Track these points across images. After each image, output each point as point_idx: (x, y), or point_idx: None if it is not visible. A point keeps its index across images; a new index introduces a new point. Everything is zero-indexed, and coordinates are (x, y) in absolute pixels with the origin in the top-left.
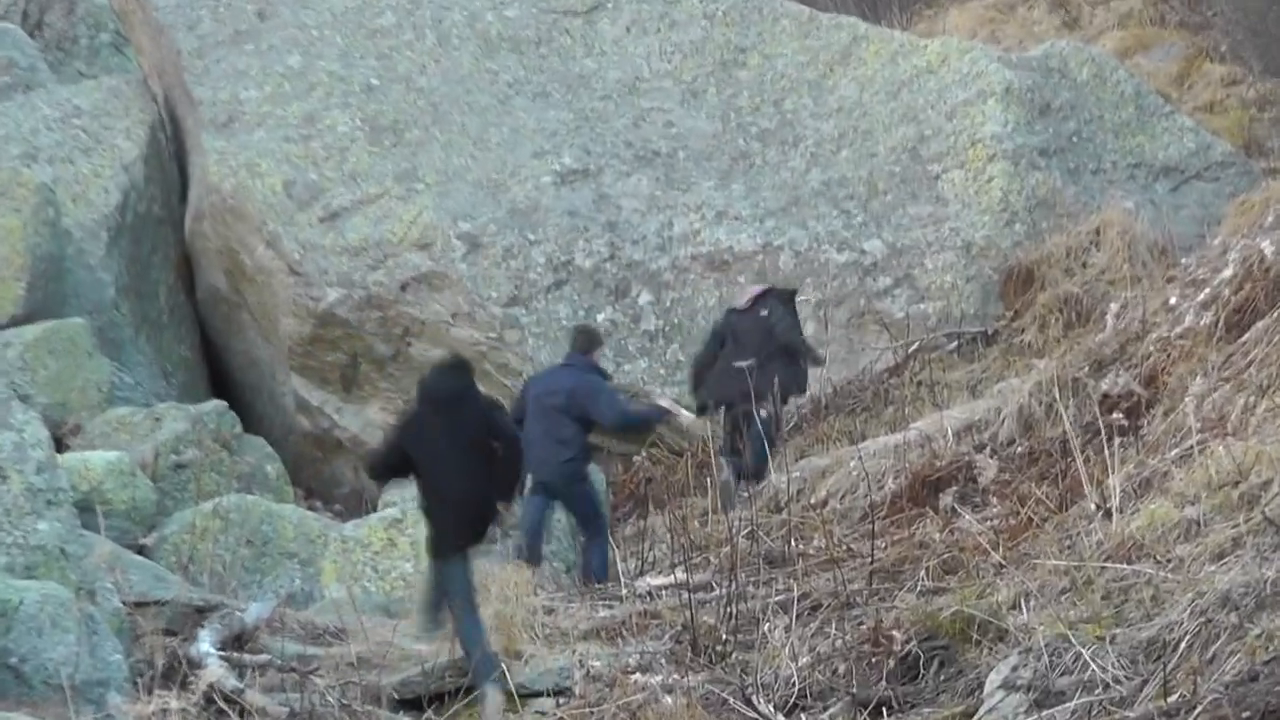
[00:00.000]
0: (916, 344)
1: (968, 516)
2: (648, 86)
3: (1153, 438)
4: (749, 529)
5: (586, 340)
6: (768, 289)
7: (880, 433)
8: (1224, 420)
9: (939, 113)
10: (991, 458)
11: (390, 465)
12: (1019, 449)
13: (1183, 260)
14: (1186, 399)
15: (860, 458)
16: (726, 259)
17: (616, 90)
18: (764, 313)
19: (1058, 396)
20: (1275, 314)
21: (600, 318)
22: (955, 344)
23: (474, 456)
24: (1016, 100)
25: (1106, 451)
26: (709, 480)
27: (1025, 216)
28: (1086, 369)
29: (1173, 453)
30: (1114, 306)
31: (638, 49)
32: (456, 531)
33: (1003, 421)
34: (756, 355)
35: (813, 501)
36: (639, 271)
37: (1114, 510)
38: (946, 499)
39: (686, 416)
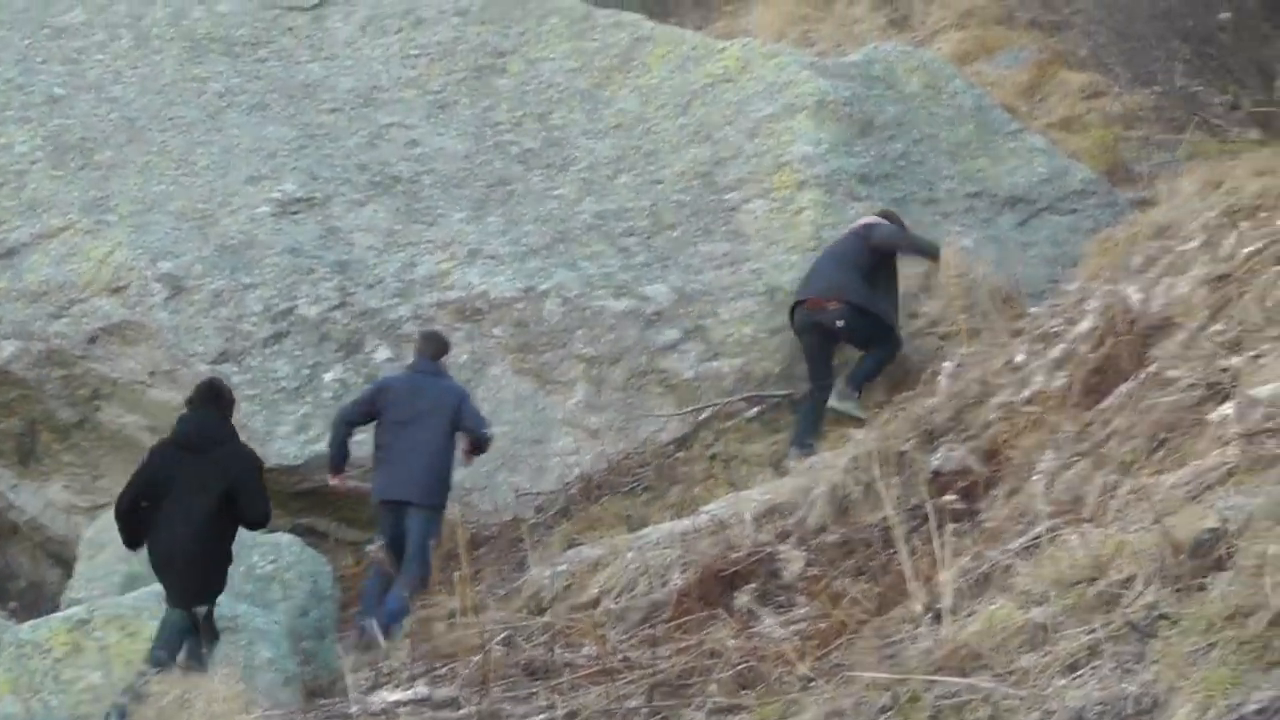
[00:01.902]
0: (709, 410)
1: (769, 619)
2: (386, 97)
3: (993, 524)
4: (505, 633)
5: (437, 346)
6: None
7: (664, 518)
8: (1078, 503)
9: (738, 130)
10: (798, 548)
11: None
12: (831, 538)
13: (1032, 309)
14: (1034, 477)
15: (640, 548)
16: (480, 307)
17: (349, 102)
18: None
19: (878, 474)
20: (1141, 375)
21: (328, 377)
22: (756, 410)
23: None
24: (832, 115)
25: (936, 541)
26: (456, 575)
27: None
28: (914, 441)
29: (1016, 543)
30: (948, 365)
31: (374, 52)
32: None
33: (812, 504)
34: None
35: (582, 601)
36: (374, 321)
37: (945, 612)
38: (743, 598)
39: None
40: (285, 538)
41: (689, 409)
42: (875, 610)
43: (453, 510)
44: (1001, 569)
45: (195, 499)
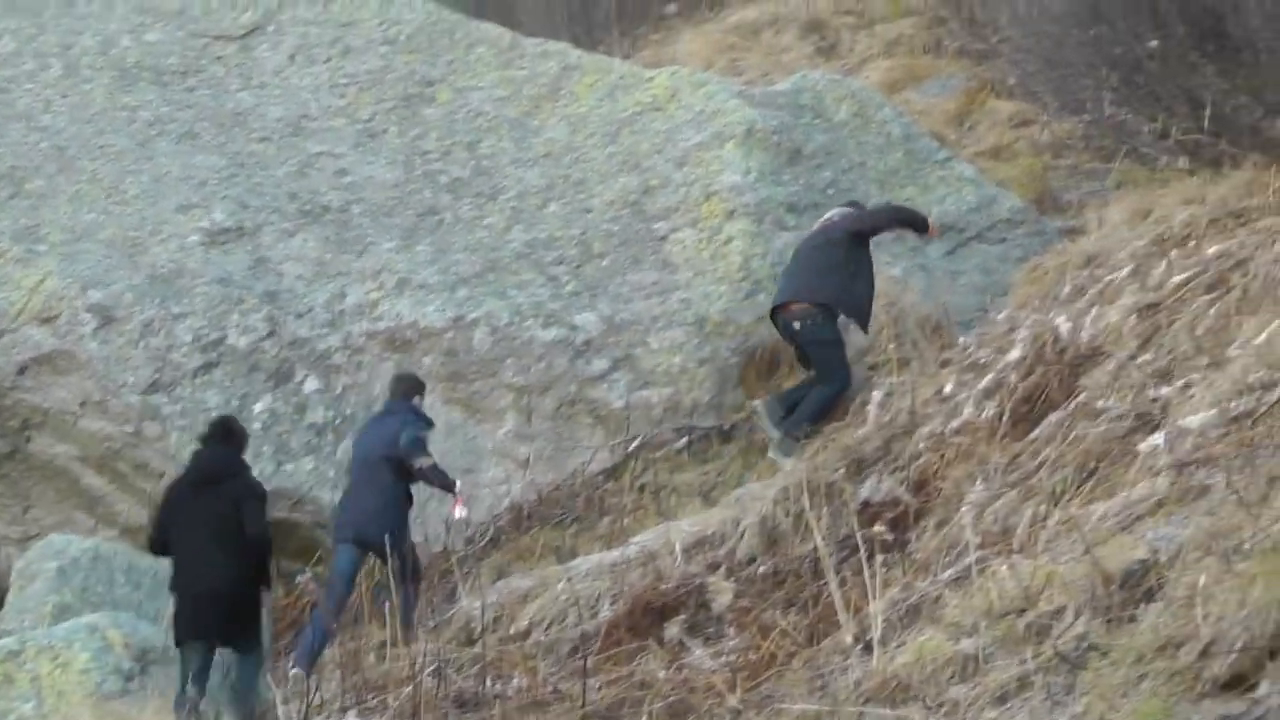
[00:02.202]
0: (638, 440)
1: (698, 650)
2: (315, 126)
3: (922, 555)
4: (436, 665)
5: (407, 386)
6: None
7: (594, 549)
8: (1008, 534)
9: (667, 159)
10: (728, 579)
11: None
12: (761, 569)
13: (961, 339)
14: (963, 508)
15: (570, 579)
16: (410, 336)
17: (278, 130)
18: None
19: (808, 505)
20: (1071, 406)
21: (258, 408)
22: (685, 440)
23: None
24: (760, 144)
25: (866, 572)
26: (387, 606)
27: (770, 286)
28: (843, 471)
29: (946, 573)
30: (876, 395)
31: (304, 81)
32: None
33: (742, 535)
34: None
35: (513, 632)
36: (304, 351)
37: (875, 643)
38: (673, 629)
39: (461, 513)
40: None
41: (618, 439)
42: (805, 641)
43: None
44: (931, 600)
45: (211, 533)
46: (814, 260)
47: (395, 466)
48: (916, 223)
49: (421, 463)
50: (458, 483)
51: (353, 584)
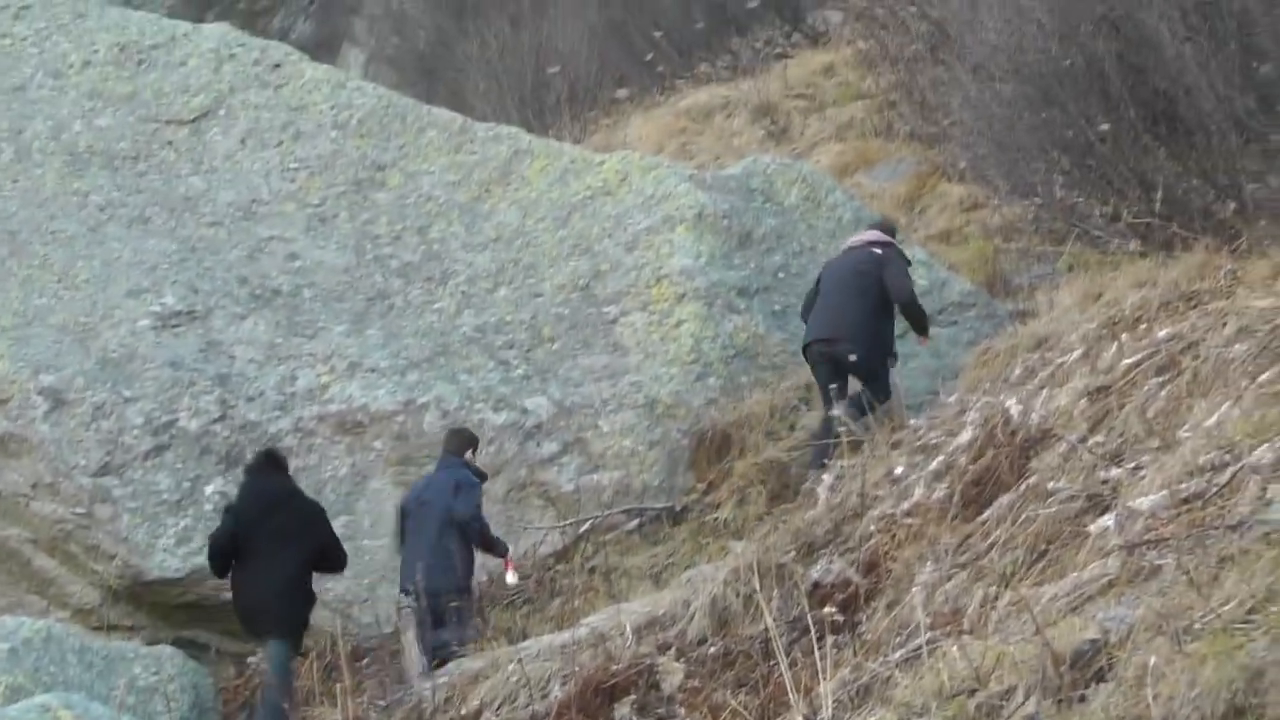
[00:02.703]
0: (589, 523)
1: None
2: (266, 210)
3: (873, 636)
4: None
5: (459, 441)
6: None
7: (545, 630)
8: (958, 615)
9: (617, 243)
10: (678, 660)
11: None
12: (711, 649)
13: (912, 421)
14: (914, 589)
15: (521, 660)
16: (361, 420)
17: (229, 215)
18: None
19: (758, 586)
20: (1022, 487)
21: (209, 490)
22: (636, 522)
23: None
24: (711, 228)
25: (817, 652)
26: (338, 687)
27: (721, 369)
28: (794, 553)
29: (897, 654)
30: (827, 478)
31: (254, 165)
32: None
33: (692, 616)
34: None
35: (464, 713)
36: (255, 434)
37: None
38: (623, 710)
39: (512, 579)
40: (167, 650)
41: (569, 521)
42: None
43: (333, 623)
44: (882, 680)
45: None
46: (852, 293)
47: (454, 524)
48: (923, 329)
49: (476, 529)
50: (510, 548)
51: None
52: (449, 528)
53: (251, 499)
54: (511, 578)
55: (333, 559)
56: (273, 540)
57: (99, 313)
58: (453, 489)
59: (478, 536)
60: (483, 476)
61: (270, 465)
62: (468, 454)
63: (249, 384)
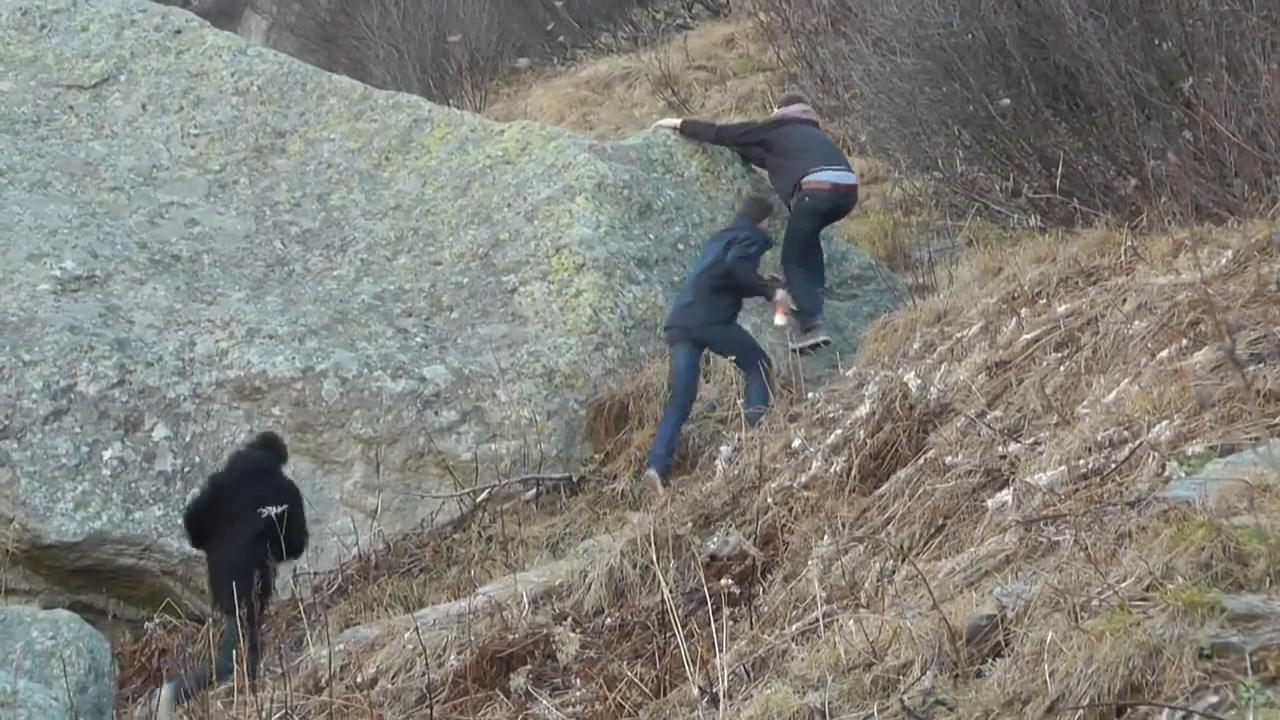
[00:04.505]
0: (486, 492)
1: (544, 701)
2: (167, 176)
3: (769, 609)
4: (282, 712)
5: (755, 209)
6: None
7: (442, 599)
8: (855, 589)
9: (516, 212)
10: (574, 630)
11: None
12: (608, 620)
13: (810, 394)
14: (810, 562)
15: (417, 628)
16: (260, 386)
17: (129, 180)
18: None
19: (655, 558)
20: (919, 462)
21: (107, 455)
22: (533, 492)
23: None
24: (610, 198)
25: (714, 625)
26: (235, 653)
27: (620, 339)
28: (691, 525)
29: (793, 627)
30: (725, 450)
31: (155, 131)
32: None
33: (589, 587)
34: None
35: (359, 681)
36: (153, 400)
37: (722, 696)
38: (519, 680)
39: (780, 320)
40: (64, 614)
41: (466, 490)
42: (652, 693)
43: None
44: (778, 653)
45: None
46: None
47: (719, 278)
48: (767, 296)
49: (740, 272)
50: (779, 292)
51: (692, 374)
52: (715, 276)
53: (231, 470)
54: (780, 319)
55: (293, 541)
56: (246, 511)
57: None
58: (727, 243)
59: (741, 280)
60: (766, 242)
61: (262, 444)
62: (763, 223)
63: (148, 349)
